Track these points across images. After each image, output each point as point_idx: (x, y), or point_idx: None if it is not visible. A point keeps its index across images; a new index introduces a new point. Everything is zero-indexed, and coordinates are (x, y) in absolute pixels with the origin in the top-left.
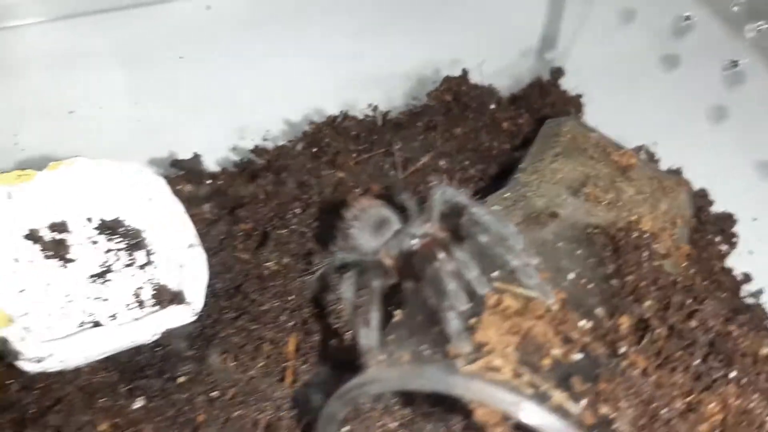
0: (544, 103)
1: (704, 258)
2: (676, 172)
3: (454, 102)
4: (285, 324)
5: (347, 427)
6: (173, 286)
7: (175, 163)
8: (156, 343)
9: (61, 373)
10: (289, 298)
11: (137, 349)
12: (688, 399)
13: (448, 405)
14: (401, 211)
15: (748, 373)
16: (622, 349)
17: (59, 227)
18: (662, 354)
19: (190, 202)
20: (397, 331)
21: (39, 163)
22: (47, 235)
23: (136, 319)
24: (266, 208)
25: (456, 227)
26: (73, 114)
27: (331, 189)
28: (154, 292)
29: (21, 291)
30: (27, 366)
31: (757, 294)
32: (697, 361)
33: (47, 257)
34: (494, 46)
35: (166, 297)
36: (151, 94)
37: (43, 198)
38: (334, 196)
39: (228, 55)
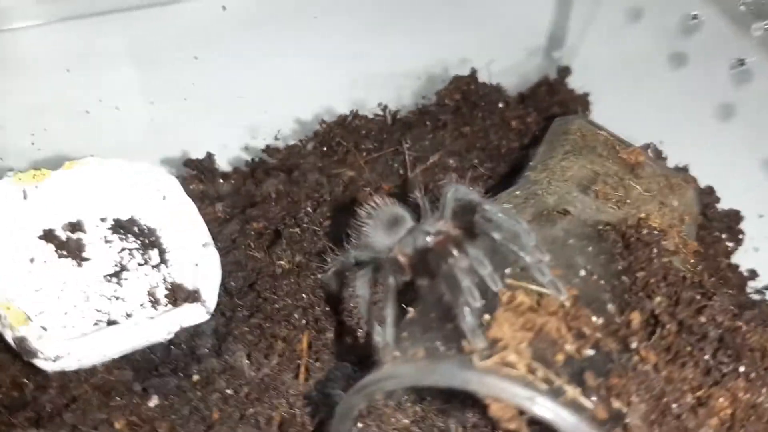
0: (552, 102)
1: (711, 255)
2: (683, 170)
3: (463, 101)
4: (298, 322)
5: (361, 424)
6: (187, 284)
7: (188, 163)
8: (170, 342)
9: (76, 372)
10: (302, 296)
11: (152, 348)
12: (698, 393)
13: (460, 401)
14: (413, 208)
15: (756, 367)
16: (634, 345)
17: (74, 227)
18: (672, 349)
19: (202, 202)
20: (411, 328)
21: (54, 163)
22: (62, 235)
23: (151, 318)
24: (278, 207)
25: (468, 225)
26: (89, 114)
27: (341, 187)
28: (168, 290)
29: (37, 290)
30: (44, 365)
31: (763, 290)
32: (707, 356)
33: (62, 257)
34: (502, 45)
35: (180, 296)
36: (165, 94)
37: (58, 197)
38: (345, 194)
39: (241, 55)
